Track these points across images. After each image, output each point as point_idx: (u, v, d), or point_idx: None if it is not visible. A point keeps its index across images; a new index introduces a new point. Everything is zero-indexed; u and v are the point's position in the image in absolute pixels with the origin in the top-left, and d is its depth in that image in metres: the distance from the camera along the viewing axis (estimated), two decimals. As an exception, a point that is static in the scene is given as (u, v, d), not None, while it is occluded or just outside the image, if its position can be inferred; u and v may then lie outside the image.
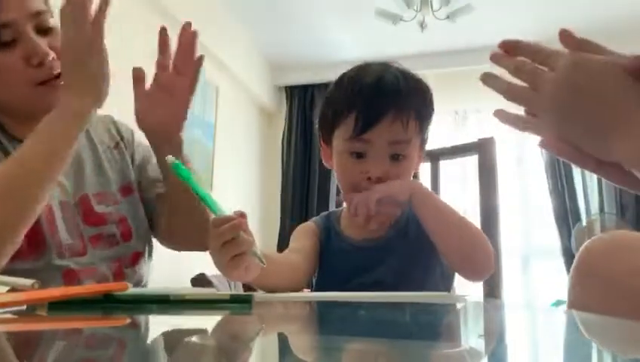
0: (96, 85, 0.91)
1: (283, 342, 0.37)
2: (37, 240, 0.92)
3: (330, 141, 0.99)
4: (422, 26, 3.89)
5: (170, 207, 1.06)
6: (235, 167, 4.58)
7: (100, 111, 1.00)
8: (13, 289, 0.56)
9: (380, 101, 0.94)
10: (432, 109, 1.02)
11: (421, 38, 4.23)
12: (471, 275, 0.93)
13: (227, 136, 4.32)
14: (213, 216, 0.73)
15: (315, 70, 4.69)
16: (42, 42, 0.93)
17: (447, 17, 3.83)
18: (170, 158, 0.75)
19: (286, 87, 5.21)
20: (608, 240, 0.76)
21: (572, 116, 0.58)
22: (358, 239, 0.99)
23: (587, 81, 0.58)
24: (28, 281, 0.54)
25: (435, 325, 0.49)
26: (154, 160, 1.11)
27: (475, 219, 1.36)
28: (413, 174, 1.03)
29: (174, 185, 1.02)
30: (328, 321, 0.53)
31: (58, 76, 0.94)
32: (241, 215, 0.72)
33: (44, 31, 0.95)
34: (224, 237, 0.69)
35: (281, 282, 0.86)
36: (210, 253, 0.72)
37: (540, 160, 4.73)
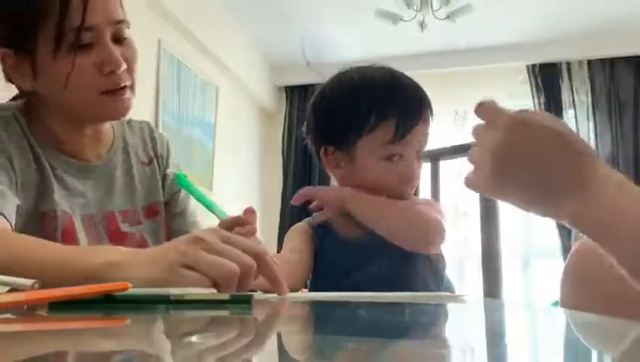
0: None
1: (282, 342, 0.37)
2: None
3: (346, 148, 0.99)
4: (422, 26, 3.89)
5: None
6: (235, 167, 4.58)
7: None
8: (13, 289, 0.56)
9: (417, 103, 1.00)
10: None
11: (421, 38, 4.23)
12: (419, 250, 0.98)
13: (227, 136, 4.32)
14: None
15: (315, 70, 4.70)
16: (117, 50, 0.91)
17: (447, 17, 3.83)
18: (172, 171, 0.74)
19: (286, 87, 5.21)
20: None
21: (512, 178, 0.58)
22: (351, 236, 1.00)
23: (528, 142, 0.57)
24: (28, 281, 0.54)
25: (434, 325, 0.49)
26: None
27: (475, 219, 1.36)
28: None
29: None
30: (328, 321, 0.54)
31: (124, 88, 0.93)
32: (250, 211, 0.71)
33: (119, 40, 0.93)
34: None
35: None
36: None
37: (539, 160, 4.72)
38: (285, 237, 1.05)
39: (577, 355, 0.32)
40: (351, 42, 4.56)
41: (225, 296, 0.63)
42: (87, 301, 0.54)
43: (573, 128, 4.66)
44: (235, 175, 4.49)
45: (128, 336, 0.40)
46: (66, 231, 0.93)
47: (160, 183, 1.08)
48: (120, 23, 0.93)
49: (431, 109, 1.02)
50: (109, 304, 0.55)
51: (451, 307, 0.57)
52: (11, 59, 0.92)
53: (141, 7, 3.13)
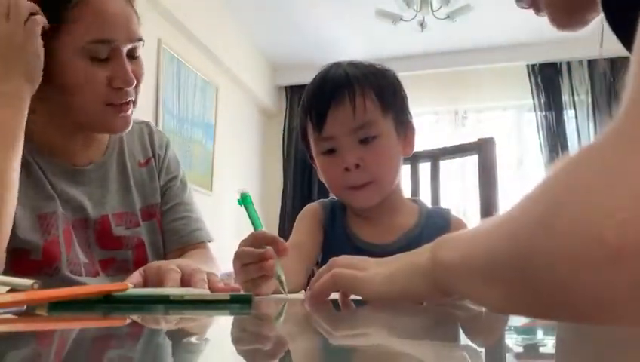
0: (26, 63, 0.87)
1: (282, 342, 0.37)
2: (53, 254, 0.91)
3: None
4: (422, 25, 3.89)
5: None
6: (235, 167, 4.57)
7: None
8: (13, 289, 0.56)
9: (323, 95, 0.97)
10: (396, 87, 1.02)
11: (421, 38, 4.23)
12: None
13: (227, 136, 4.32)
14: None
15: (315, 70, 4.70)
16: (129, 67, 0.94)
17: (447, 17, 3.83)
18: (240, 189, 0.78)
19: (286, 87, 5.21)
20: None
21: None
22: (366, 241, 1.00)
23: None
24: (28, 281, 0.54)
25: (434, 325, 0.49)
26: (177, 183, 1.11)
27: (474, 219, 1.35)
28: (408, 151, 1.03)
29: None
30: (328, 321, 0.53)
31: (127, 102, 0.96)
32: (274, 241, 0.72)
33: (132, 56, 0.97)
34: (244, 260, 0.71)
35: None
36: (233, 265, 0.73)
37: (539, 160, 4.73)
38: (297, 220, 1.05)
39: (577, 354, 0.32)
40: (351, 42, 4.56)
41: (225, 296, 0.63)
42: (87, 301, 0.54)
43: (573, 128, 4.67)
44: (235, 175, 4.49)
45: (128, 336, 0.40)
46: (65, 237, 0.94)
47: (157, 185, 1.08)
48: (139, 40, 0.97)
49: (378, 91, 0.96)
50: (109, 304, 0.55)
51: (451, 307, 0.57)
52: None
53: (141, 7, 3.12)
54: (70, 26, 0.90)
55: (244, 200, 0.76)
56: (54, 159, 0.98)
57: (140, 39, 0.97)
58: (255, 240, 0.72)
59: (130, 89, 0.95)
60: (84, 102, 0.93)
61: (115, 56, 0.93)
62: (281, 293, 0.73)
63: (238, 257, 0.72)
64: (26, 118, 0.86)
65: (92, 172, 1.02)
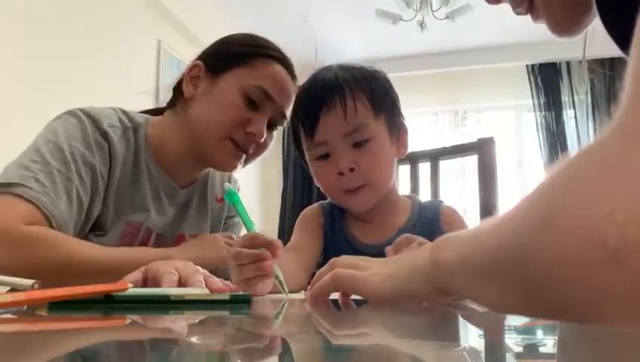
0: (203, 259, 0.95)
1: (282, 342, 0.37)
2: None
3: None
4: (422, 26, 3.89)
5: None
6: (235, 167, 4.56)
7: None
8: (14, 290, 0.56)
9: (313, 100, 0.96)
10: (387, 89, 1.01)
11: (421, 38, 4.23)
12: None
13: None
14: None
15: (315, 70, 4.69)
16: (264, 126, 1.03)
17: (447, 17, 3.83)
18: (228, 185, 0.80)
19: (286, 87, 5.20)
20: None
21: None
22: (363, 242, 1.00)
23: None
24: (28, 281, 0.54)
25: (434, 325, 0.49)
26: (234, 221, 1.22)
27: (474, 219, 1.36)
28: (401, 152, 1.03)
29: None
30: (328, 321, 0.54)
31: (245, 151, 1.04)
32: (272, 244, 0.72)
33: (271, 126, 1.07)
34: (240, 261, 0.71)
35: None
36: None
37: (539, 160, 4.73)
38: (297, 222, 1.06)
39: (576, 354, 0.32)
40: (351, 42, 4.56)
41: (225, 296, 0.63)
42: (87, 301, 0.54)
43: (573, 128, 4.67)
44: (234, 175, 4.49)
45: (128, 336, 0.40)
46: (142, 243, 1.03)
47: (223, 222, 1.20)
48: (283, 117, 1.07)
49: (369, 94, 0.96)
50: (109, 304, 0.56)
51: (451, 307, 0.57)
52: (198, 71, 1.07)
53: (141, 7, 3.12)
54: (249, 69, 1.02)
55: (231, 197, 0.77)
56: (164, 175, 1.06)
57: (286, 117, 1.07)
58: (250, 241, 0.73)
59: (254, 144, 1.03)
60: (215, 126, 1.01)
61: (262, 111, 1.02)
62: (281, 293, 0.73)
63: (235, 258, 0.72)
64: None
65: (184, 193, 1.12)
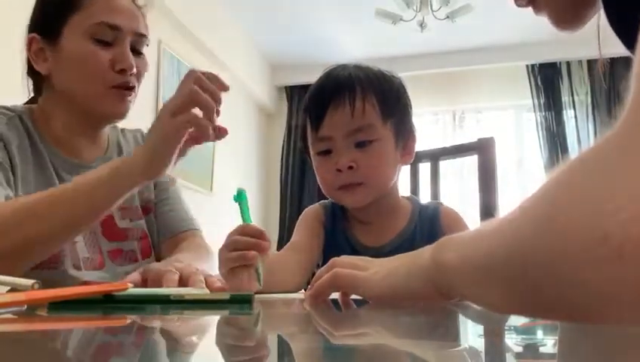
0: (161, 160, 0.85)
1: (283, 342, 0.37)
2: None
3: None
4: (422, 26, 3.89)
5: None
6: (235, 167, 4.57)
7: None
8: (13, 289, 0.56)
9: (323, 95, 0.97)
10: (400, 95, 1.01)
11: (421, 38, 4.23)
12: None
13: (227, 136, 4.32)
14: None
15: (315, 70, 4.70)
16: (129, 57, 0.99)
17: (447, 17, 3.83)
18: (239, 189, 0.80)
19: (286, 87, 5.21)
20: None
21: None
22: (364, 243, 1.00)
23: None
24: (28, 281, 0.54)
25: (434, 325, 0.49)
26: (165, 179, 1.15)
27: (474, 219, 1.36)
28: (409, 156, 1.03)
29: None
30: (328, 321, 0.54)
31: (130, 88, 1.01)
32: (261, 234, 0.73)
33: (136, 51, 1.03)
34: (230, 247, 0.72)
35: (282, 290, 0.87)
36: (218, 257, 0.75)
37: (539, 160, 4.73)
38: (299, 221, 1.06)
39: (576, 353, 0.32)
40: (351, 42, 4.56)
41: (225, 296, 0.63)
42: (87, 301, 0.54)
43: (573, 128, 4.67)
44: (234, 175, 4.49)
45: (128, 336, 0.40)
46: None
47: (152, 184, 1.14)
48: (141, 36, 1.03)
49: (379, 96, 0.96)
50: (109, 304, 0.56)
51: (451, 307, 0.57)
52: (37, 44, 1.01)
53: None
54: (80, 12, 0.97)
55: (239, 196, 0.78)
56: (63, 155, 1.03)
57: (144, 35, 1.03)
58: (243, 231, 0.74)
59: (132, 76, 1.00)
60: (89, 86, 0.98)
61: (118, 43, 0.99)
62: (276, 292, 0.74)
63: (226, 246, 0.73)
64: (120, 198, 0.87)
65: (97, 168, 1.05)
